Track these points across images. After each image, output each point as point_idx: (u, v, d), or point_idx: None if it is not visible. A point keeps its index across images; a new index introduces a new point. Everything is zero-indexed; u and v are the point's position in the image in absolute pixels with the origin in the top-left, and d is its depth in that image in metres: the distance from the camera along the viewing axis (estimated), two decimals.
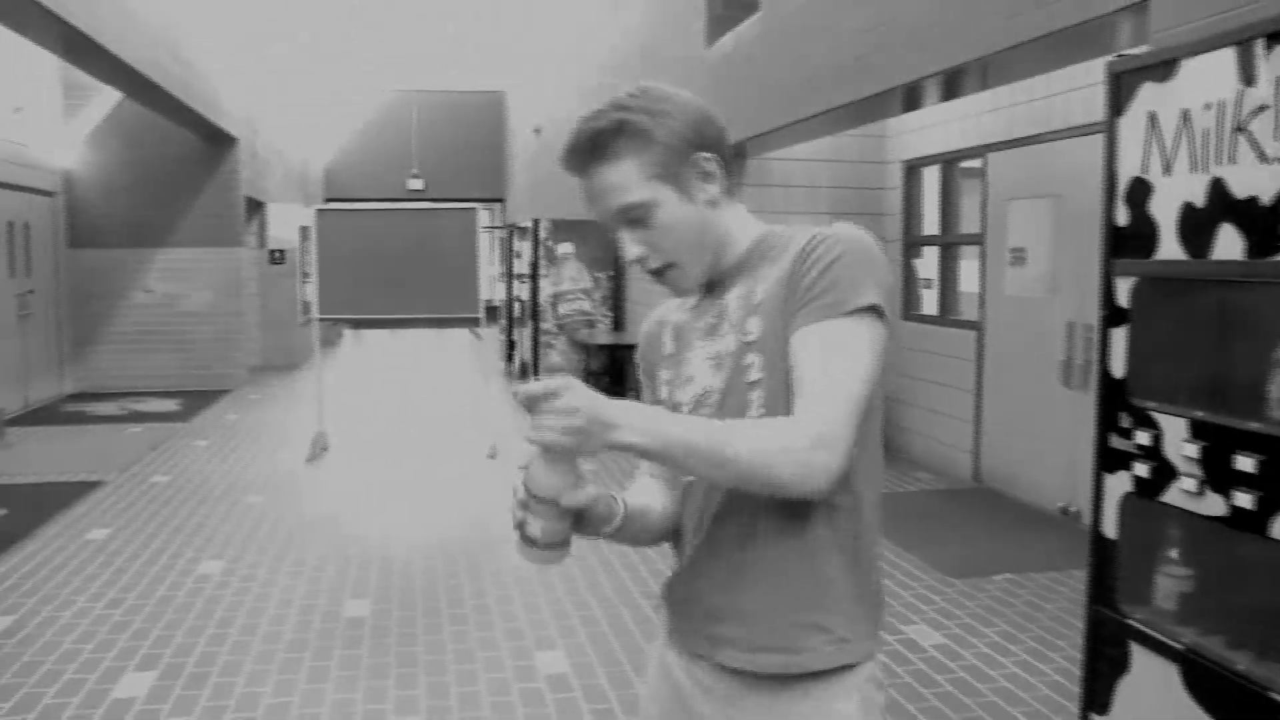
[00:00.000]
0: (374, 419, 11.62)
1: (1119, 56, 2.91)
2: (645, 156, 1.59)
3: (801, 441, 1.46)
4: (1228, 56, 2.50)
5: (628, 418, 1.44)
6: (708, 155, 1.63)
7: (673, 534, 1.79)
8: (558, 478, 1.51)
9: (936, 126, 8.62)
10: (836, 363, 1.51)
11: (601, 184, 1.61)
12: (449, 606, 5.39)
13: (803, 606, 1.61)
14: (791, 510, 1.58)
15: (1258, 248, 2.42)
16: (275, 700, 4.27)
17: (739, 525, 1.63)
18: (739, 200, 1.73)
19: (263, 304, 16.46)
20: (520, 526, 1.54)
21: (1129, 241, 2.80)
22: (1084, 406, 6.80)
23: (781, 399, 1.57)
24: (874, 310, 1.53)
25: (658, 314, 1.87)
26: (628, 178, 1.59)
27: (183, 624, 5.09)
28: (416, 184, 25.53)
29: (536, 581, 5.77)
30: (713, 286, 1.72)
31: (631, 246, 1.64)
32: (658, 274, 1.68)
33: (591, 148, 1.61)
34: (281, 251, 16.56)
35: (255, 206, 16.05)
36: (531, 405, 1.42)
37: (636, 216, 1.61)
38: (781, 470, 1.46)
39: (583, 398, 1.42)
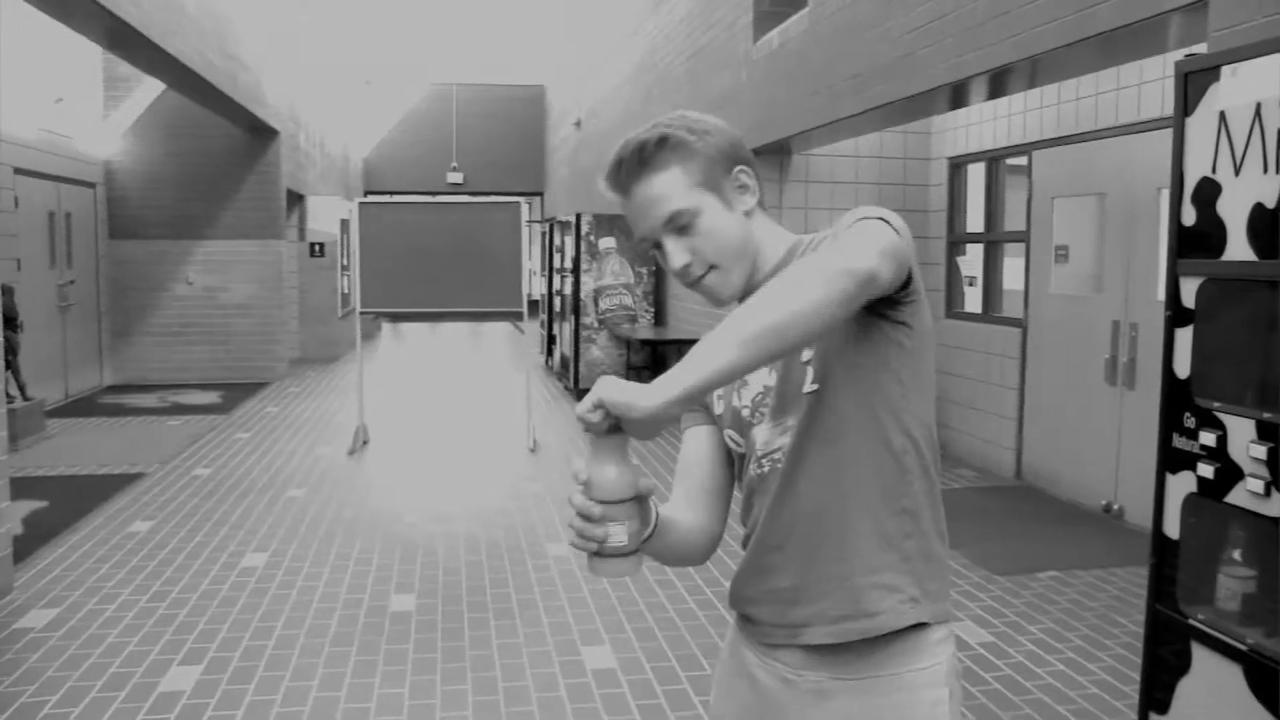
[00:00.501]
0: (414, 412, 11.68)
1: (1188, 56, 2.89)
2: (689, 165, 1.66)
3: (834, 268, 1.42)
4: None
5: (665, 376, 1.41)
6: (744, 168, 1.71)
7: (702, 552, 1.80)
8: (626, 473, 1.50)
9: (982, 124, 8.56)
10: (861, 233, 1.50)
11: (648, 194, 1.67)
12: (494, 601, 5.41)
13: (872, 569, 1.64)
14: (853, 474, 1.63)
15: None
16: (322, 694, 4.29)
17: (800, 504, 1.67)
18: (768, 213, 1.78)
19: (302, 296, 16.57)
20: (603, 543, 1.52)
21: (1196, 241, 2.79)
22: (1128, 404, 6.77)
23: (833, 367, 1.62)
24: (883, 220, 1.53)
25: None
26: (673, 186, 1.66)
27: (227, 618, 5.12)
28: (456, 177, 25.65)
29: (581, 577, 5.79)
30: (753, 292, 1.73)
31: (677, 255, 1.67)
32: (699, 281, 1.71)
33: (638, 160, 1.67)
34: (321, 244, 16.66)
35: (296, 199, 16.15)
36: (587, 421, 1.43)
37: (683, 223, 1.66)
38: (814, 293, 1.40)
39: (618, 384, 1.41)
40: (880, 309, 1.57)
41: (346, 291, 17.65)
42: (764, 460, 1.71)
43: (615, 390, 1.40)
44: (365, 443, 9.55)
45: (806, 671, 1.70)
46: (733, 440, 1.78)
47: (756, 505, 1.75)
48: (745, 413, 1.74)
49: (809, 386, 1.64)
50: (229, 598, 5.41)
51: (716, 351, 1.38)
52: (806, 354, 1.64)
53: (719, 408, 1.78)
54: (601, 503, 1.50)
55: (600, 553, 1.52)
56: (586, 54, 19.29)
